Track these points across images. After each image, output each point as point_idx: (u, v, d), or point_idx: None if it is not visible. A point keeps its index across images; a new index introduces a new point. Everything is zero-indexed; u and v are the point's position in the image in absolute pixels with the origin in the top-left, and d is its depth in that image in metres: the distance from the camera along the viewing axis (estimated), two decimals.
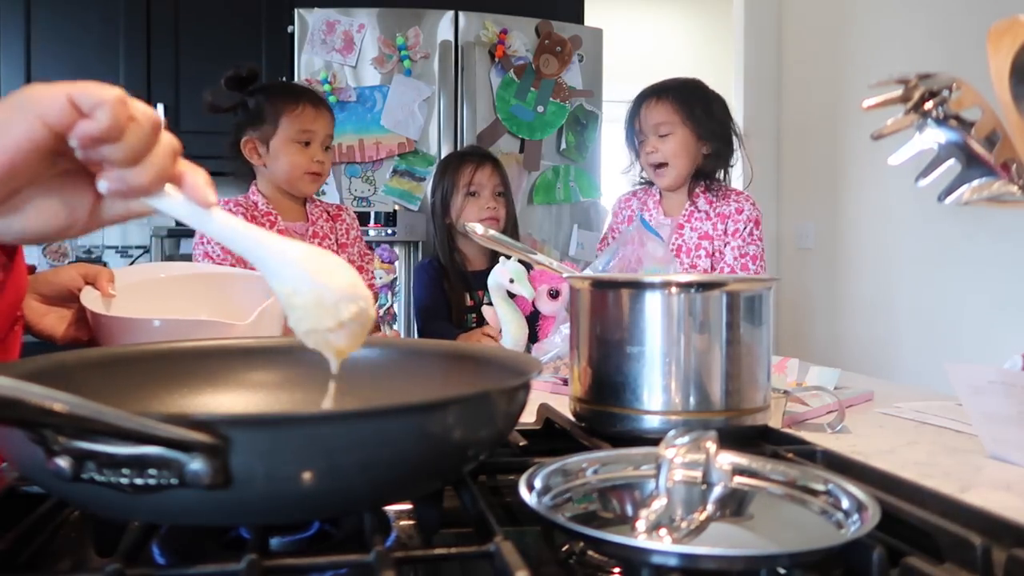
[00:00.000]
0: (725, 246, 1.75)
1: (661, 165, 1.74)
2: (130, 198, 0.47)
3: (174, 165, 0.48)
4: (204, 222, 0.49)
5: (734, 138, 1.78)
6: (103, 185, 0.46)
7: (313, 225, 1.73)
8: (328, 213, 1.77)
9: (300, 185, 1.65)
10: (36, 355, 0.58)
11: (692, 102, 1.74)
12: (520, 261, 1.45)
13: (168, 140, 0.48)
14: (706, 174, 1.78)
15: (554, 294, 1.57)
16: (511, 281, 1.48)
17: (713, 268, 1.74)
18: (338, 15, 2.51)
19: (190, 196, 0.48)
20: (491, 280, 1.50)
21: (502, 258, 1.52)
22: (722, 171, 1.80)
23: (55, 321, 0.98)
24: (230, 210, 1.57)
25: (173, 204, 0.48)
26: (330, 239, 1.74)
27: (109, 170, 0.45)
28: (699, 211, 1.77)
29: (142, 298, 1.04)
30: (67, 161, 0.46)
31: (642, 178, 1.88)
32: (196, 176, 0.49)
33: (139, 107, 0.46)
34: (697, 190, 1.78)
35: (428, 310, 1.85)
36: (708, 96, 1.78)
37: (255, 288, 1.05)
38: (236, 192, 1.73)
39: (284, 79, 2.60)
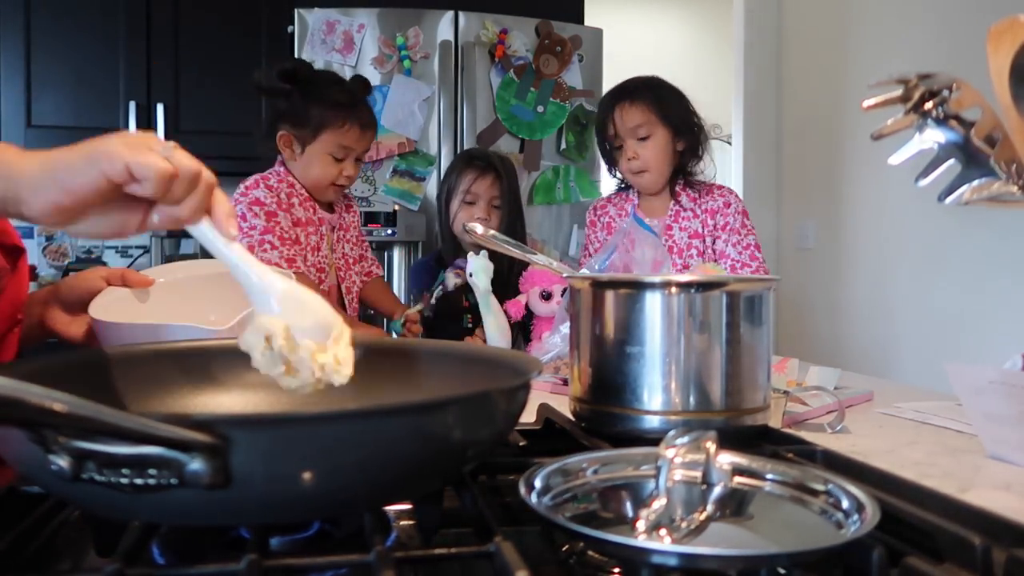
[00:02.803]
0: (715, 241, 1.74)
1: (642, 170, 1.73)
2: (168, 226, 0.60)
3: (210, 199, 0.61)
4: (221, 251, 0.60)
5: (701, 131, 1.76)
6: (155, 218, 0.59)
7: (341, 218, 1.74)
8: (344, 204, 1.79)
9: (324, 193, 1.65)
10: (36, 355, 0.58)
11: (665, 99, 1.72)
12: (510, 260, 1.47)
13: (206, 180, 0.60)
14: (682, 170, 1.77)
15: (546, 296, 1.57)
16: (470, 275, 1.48)
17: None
18: (338, 15, 2.51)
19: (216, 228, 0.60)
20: (468, 276, 1.52)
21: (470, 253, 1.53)
22: (694, 164, 1.79)
23: (80, 326, 0.97)
24: (270, 186, 1.58)
25: (202, 232, 0.60)
26: (350, 231, 1.77)
27: (157, 207, 0.59)
28: (685, 210, 1.76)
29: (167, 298, 1.03)
30: (124, 191, 0.58)
31: (622, 181, 1.86)
32: (223, 210, 0.61)
33: (183, 160, 0.58)
34: (678, 188, 1.77)
35: (433, 307, 1.85)
36: (675, 92, 1.77)
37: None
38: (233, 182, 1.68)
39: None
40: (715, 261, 1.75)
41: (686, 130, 1.73)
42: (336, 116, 1.57)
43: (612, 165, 1.81)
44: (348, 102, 1.60)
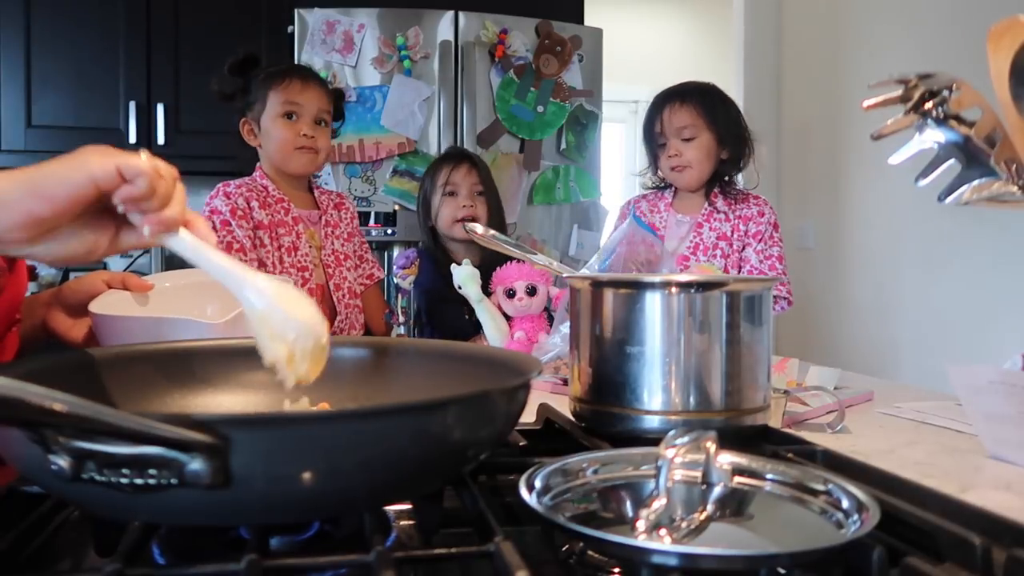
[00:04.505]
0: (744, 248, 1.76)
1: (681, 167, 1.75)
2: (159, 233, 0.60)
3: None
4: (203, 258, 0.61)
5: (748, 143, 1.78)
6: (147, 230, 0.59)
7: (325, 214, 1.73)
8: (333, 202, 1.79)
9: (291, 162, 1.64)
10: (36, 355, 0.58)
11: (714, 106, 1.74)
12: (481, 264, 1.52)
13: (182, 189, 0.61)
14: (722, 177, 1.78)
15: (510, 294, 1.56)
16: (459, 287, 1.50)
17: (727, 270, 1.74)
18: (338, 15, 2.51)
19: (197, 235, 0.62)
20: (457, 288, 1.52)
21: (453, 264, 1.54)
22: (735, 173, 1.81)
23: (81, 329, 0.97)
24: (228, 193, 1.60)
25: (183, 240, 0.61)
26: (340, 228, 1.75)
27: (146, 215, 0.59)
28: (718, 211, 1.77)
29: (165, 301, 1.03)
30: (98, 204, 0.58)
31: (654, 182, 1.88)
32: (201, 220, 0.63)
33: (161, 164, 0.59)
34: (714, 191, 1.79)
35: (431, 292, 1.85)
36: (726, 101, 1.79)
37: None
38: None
39: None
40: (739, 267, 1.76)
41: (731, 140, 1.75)
42: (274, 76, 1.63)
43: (654, 162, 1.82)
44: (285, 67, 1.70)
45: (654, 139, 1.79)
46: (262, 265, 1.58)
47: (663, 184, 1.87)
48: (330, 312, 1.69)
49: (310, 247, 1.66)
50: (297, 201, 1.69)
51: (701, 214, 1.78)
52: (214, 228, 1.57)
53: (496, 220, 1.87)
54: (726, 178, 1.79)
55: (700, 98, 1.74)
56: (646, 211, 1.85)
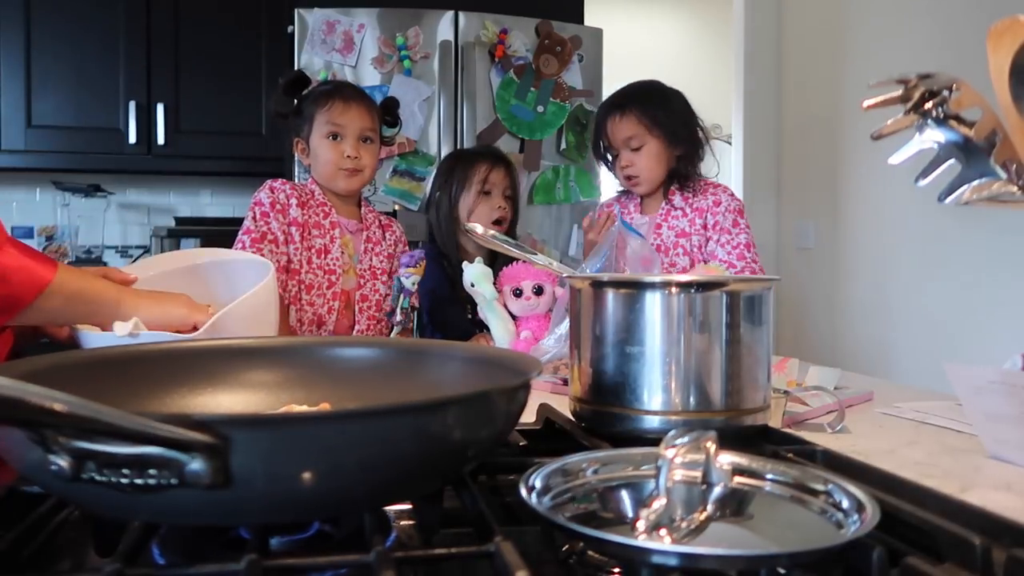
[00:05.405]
0: (707, 241, 1.74)
1: (634, 177, 1.76)
2: None
3: None
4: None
5: (700, 133, 1.78)
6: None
7: (367, 230, 1.74)
8: (380, 222, 1.80)
9: (336, 181, 1.66)
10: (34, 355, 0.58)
11: (655, 109, 1.73)
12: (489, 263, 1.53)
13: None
14: (680, 175, 1.78)
15: (517, 293, 1.56)
16: (471, 285, 1.50)
17: (692, 265, 1.72)
18: (338, 15, 2.51)
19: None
20: (469, 286, 1.52)
21: (465, 263, 1.54)
22: (692, 167, 1.80)
23: (67, 328, 0.99)
24: (273, 187, 1.64)
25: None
26: (381, 246, 1.75)
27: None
28: (675, 208, 1.77)
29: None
30: None
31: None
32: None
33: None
34: (672, 188, 1.79)
35: (435, 293, 1.84)
36: (668, 97, 1.78)
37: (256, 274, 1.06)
38: (244, 192, 1.73)
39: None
40: (704, 261, 1.74)
41: (682, 137, 1.74)
42: (320, 98, 1.66)
43: (610, 169, 1.84)
44: (331, 87, 1.72)
45: (604, 152, 1.79)
46: (289, 261, 1.61)
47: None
48: (351, 319, 1.70)
49: (343, 252, 1.68)
50: (341, 212, 1.71)
51: (659, 214, 1.78)
52: (254, 218, 1.61)
53: (516, 223, 1.88)
54: (687, 174, 1.78)
55: (640, 105, 1.73)
56: (618, 213, 1.84)
